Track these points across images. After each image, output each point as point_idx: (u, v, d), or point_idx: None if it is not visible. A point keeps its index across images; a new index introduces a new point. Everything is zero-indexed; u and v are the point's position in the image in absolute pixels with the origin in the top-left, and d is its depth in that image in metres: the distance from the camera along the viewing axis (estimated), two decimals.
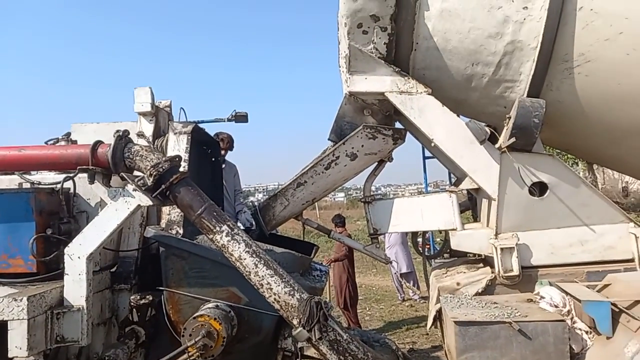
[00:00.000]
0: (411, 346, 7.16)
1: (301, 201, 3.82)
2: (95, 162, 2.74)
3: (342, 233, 8.32)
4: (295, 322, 2.64)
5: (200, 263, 3.16)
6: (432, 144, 3.65)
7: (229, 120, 5.13)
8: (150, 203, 2.68)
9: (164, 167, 2.68)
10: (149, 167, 2.66)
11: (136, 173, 2.90)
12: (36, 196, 2.90)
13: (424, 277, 4.94)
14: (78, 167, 2.73)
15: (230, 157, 5.22)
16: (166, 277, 3.20)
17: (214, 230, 2.69)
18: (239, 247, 2.68)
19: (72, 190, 3.16)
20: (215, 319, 2.82)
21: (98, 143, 2.79)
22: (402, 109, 3.65)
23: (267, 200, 3.82)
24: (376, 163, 4.02)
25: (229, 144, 5.17)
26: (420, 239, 5.41)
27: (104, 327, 3.27)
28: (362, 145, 3.76)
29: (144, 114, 3.88)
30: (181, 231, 3.26)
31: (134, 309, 3.14)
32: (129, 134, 2.83)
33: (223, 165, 5.32)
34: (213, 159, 4.53)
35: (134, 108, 3.85)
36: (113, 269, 3.39)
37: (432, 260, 4.97)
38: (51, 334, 2.59)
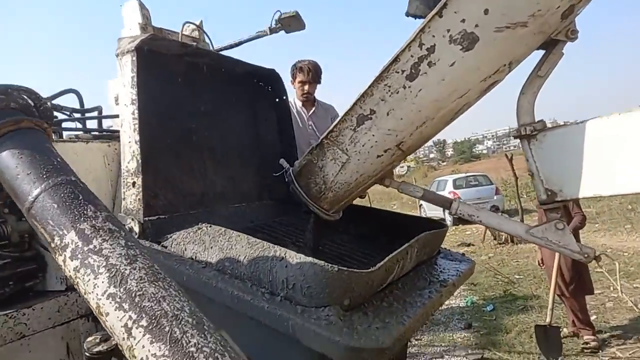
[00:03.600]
0: None
1: (374, 150, 1.93)
2: None
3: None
4: None
5: None
6: None
7: (272, 30, 3.26)
8: None
9: None
10: None
11: None
12: None
13: None
14: None
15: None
16: None
17: (53, 245, 1.19)
18: (95, 283, 1.13)
19: None
20: None
21: None
22: None
23: (307, 157, 2.06)
24: (536, 50, 1.84)
25: (312, 74, 3.47)
26: None
27: None
28: (486, 10, 1.66)
29: None
30: (136, 228, 1.89)
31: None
32: None
33: (313, 108, 3.73)
34: (277, 100, 2.99)
35: (120, 35, 2.60)
36: None
37: None
38: None
